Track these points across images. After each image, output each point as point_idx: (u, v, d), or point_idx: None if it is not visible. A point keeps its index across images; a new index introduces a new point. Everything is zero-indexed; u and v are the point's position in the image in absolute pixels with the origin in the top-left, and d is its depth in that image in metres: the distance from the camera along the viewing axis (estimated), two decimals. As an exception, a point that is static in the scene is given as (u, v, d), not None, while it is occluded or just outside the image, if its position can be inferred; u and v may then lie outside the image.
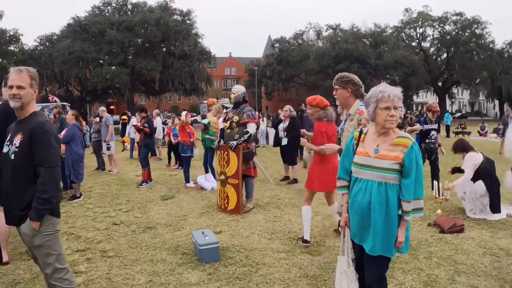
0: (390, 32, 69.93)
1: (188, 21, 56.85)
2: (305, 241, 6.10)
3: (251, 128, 7.96)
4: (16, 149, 3.55)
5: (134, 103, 57.16)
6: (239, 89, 8.38)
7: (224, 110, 10.26)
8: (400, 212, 3.33)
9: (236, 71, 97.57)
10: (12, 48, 59.67)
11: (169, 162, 15.59)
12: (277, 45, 75.88)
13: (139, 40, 54.70)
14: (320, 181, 6.00)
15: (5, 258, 5.71)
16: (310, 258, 5.58)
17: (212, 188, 10.17)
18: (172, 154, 15.54)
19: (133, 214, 8.26)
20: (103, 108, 15.24)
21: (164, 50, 56.26)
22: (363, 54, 61.27)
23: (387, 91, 3.31)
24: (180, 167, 13.94)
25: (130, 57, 54.02)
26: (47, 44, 58.56)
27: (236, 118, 8.02)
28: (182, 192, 10.25)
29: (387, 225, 3.33)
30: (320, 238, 6.48)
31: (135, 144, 18.49)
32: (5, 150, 3.67)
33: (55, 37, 57.86)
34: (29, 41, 68.85)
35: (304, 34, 75.31)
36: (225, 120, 8.44)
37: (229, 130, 8.14)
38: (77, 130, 9.58)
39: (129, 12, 58.55)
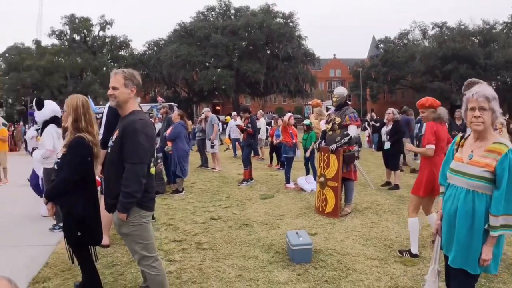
0: (500, 29, 64.40)
1: (290, 24, 57.48)
2: (413, 255, 5.77)
3: (352, 130, 7.86)
4: (112, 144, 3.82)
5: (239, 104, 58.36)
6: (341, 92, 8.31)
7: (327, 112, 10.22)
8: (486, 226, 3.04)
9: (341, 73, 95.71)
10: (122, 53, 63.59)
11: (271, 163, 15.70)
12: (381, 45, 72.96)
13: (243, 43, 55.91)
14: (427, 186, 5.70)
15: (106, 241, 6.09)
16: (403, 268, 5.35)
17: (312, 190, 10.13)
18: (274, 154, 15.64)
19: (232, 211, 8.47)
20: (207, 108, 15.74)
21: (268, 52, 56.98)
22: (471, 54, 57.53)
23: (473, 91, 3.11)
24: (281, 168, 14.06)
25: (235, 59, 55.38)
26: (155, 48, 61.84)
27: (338, 120, 7.96)
28: (282, 192, 10.32)
29: (470, 237, 3.08)
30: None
31: (237, 143, 18.96)
32: (110, 143, 3.94)
33: (163, 42, 61.08)
34: (138, 46, 72.86)
35: (409, 33, 71.35)
36: (327, 122, 8.41)
37: (331, 132, 8.09)
38: (182, 128, 9.98)
39: (232, 17, 60.10)
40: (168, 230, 7.11)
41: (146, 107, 38.84)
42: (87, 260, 4.20)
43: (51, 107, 7.60)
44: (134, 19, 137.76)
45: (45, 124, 7.53)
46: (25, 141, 29.27)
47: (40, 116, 7.53)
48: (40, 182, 8.45)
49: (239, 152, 18.63)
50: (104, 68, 59.65)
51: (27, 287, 4.99)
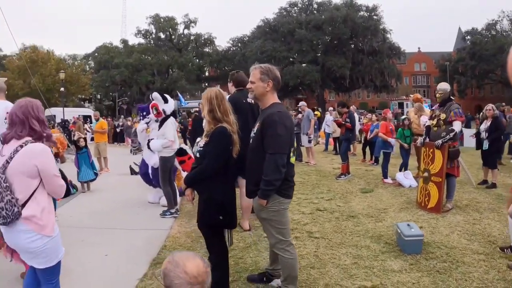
0: None
1: (374, 17, 56.54)
2: None
3: (456, 126, 7.82)
4: (254, 135, 4.19)
5: (324, 99, 58.10)
6: (444, 87, 8.28)
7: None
8: None
9: (426, 66, 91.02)
10: (207, 50, 64.63)
11: (365, 158, 15.64)
12: (468, 37, 68.65)
13: (327, 38, 55.51)
14: None
15: (246, 226, 6.73)
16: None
17: (410, 186, 10.15)
18: (367, 150, 15.57)
19: (335, 203, 8.68)
20: (304, 103, 15.82)
21: (353, 47, 56.43)
22: None
23: None
24: (375, 163, 14.11)
25: (320, 54, 55.12)
26: (239, 45, 62.60)
27: (443, 116, 7.93)
28: (380, 187, 10.39)
29: None
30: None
31: (330, 138, 19.04)
32: (251, 134, 4.29)
33: (246, 38, 61.42)
34: (221, 43, 74.51)
35: (497, 24, 66.12)
36: (431, 118, 8.41)
37: (436, 128, 8.07)
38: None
39: (315, 11, 59.71)
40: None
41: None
42: (221, 242, 4.51)
43: (173, 102, 8.25)
44: (218, 17, 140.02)
45: (166, 117, 8.07)
46: (115, 133, 30.82)
47: (168, 108, 8.17)
48: (149, 171, 9.01)
49: (330, 147, 18.90)
50: (190, 65, 61.12)
51: (149, 267, 5.43)
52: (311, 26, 55.07)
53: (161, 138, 7.95)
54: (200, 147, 4.32)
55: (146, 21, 65.69)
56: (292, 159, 4.16)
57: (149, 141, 8.41)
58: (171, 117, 8.20)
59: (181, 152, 8.62)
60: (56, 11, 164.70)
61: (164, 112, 8.11)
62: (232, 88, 6.81)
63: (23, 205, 3.33)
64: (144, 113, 9.01)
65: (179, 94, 40.26)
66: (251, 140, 4.22)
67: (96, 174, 10.89)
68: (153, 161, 8.80)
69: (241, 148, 4.73)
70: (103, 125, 16.27)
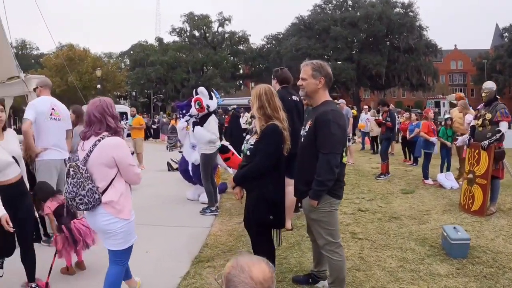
0: None
1: (410, 13, 55.30)
2: None
3: (503, 126, 7.61)
4: (306, 133, 4.10)
5: (359, 97, 57.54)
6: (490, 86, 8.07)
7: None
8: None
9: (463, 64, 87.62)
10: (241, 47, 64.62)
11: (406, 158, 15.35)
12: (506, 34, 66.31)
13: (363, 35, 54.92)
14: None
15: (288, 225, 6.59)
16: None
17: (451, 187, 9.94)
18: (406, 149, 15.29)
19: (376, 203, 8.58)
20: (343, 100, 15.62)
21: (388, 44, 55.43)
22: None
23: None
24: (414, 164, 13.89)
25: (355, 52, 54.57)
26: (273, 42, 62.36)
27: (488, 116, 7.71)
28: (421, 188, 10.21)
29: None
30: None
31: (366, 137, 18.84)
32: (302, 133, 4.22)
33: (281, 36, 61.14)
34: (256, 40, 74.76)
35: None
36: (476, 118, 8.21)
37: (481, 128, 7.87)
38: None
39: (350, 8, 59.04)
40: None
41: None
42: (268, 242, 4.48)
43: (216, 99, 8.32)
44: (252, 15, 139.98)
45: (208, 113, 8.11)
46: (149, 130, 30.94)
47: (213, 105, 8.22)
48: (189, 168, 9.04)
49: (366, 146, 18.75)
50: (225, 62, 61.36)
51: (191, 265, 5.43)
52: (346, 23, 54.45)
53: (205, 135, 7.98)
54: (251, 145, 4.30)
55: (180, 20, 66.20)
56: (344, 159, 4.08)
57: (194, 126, 8.43)
58: (213, 115, 8.22)
59: (224, 149, 8.63)
60: (91, 11, 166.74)
61: (208, 107, 8.12)
62: (276, 85, 6.72)
63: (103, 192, 3.77)
64: (184, 111, 9.02)
65: (214, 92, 40.29)
66: (303, 138, 4.14)
67: None
68: (193, 158, 8.83)
69: (295, 145, 4.75)
70: (141, 121, 16.36)
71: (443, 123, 11.55)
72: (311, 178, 3.91)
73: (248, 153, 4.33)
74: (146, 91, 64.64)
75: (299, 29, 58.02)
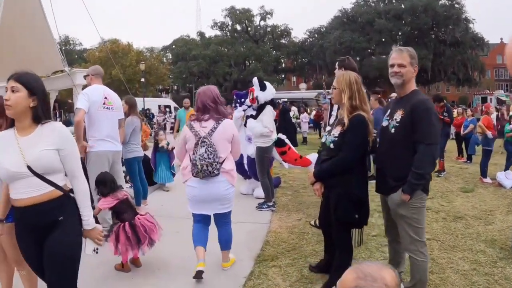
0: None
1: (456, 5, 53.26)
2: None
3: None
4: (397, 124, 3.82)
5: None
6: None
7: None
8: None
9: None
10: (283, 41, 64.20)
11: (459, 155, 14.98)
12: None
13: (408, 28, 53.75)
14: None
15: None
16: None
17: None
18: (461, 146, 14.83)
19: (438, 202, 8.33)
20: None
21: (434, 37, 53.97)
22: None
23: None
24: (468, 161, 13.51)
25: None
26: (316, 36, 61.52)
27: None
28: (480, 187, 9.90)
29: None
30: None
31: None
32: (384, 124, 4.00)
33: (323, 29, 60.34)
34: (297, 34, 74.26)
35: None
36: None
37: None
38: (380, 115, 9.89)
39: (393, 1, 57.69)
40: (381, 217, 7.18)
41: (313, 93, 39.23)
42: (349, 240, 4.33)
43: (271, 90, 8.06)
44: (293, 8, 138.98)
45: (263, 105, 7.94)
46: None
47: (264, 96, 7.97)
48: (244, 161, 8.90)
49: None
50: (267, 56, 61.18)
51: (255, 265, 5.28)
52: (391, 15, 53.22)
53: (258, 127, 7.82)
54: (335, 137, 4.08)
55: (222, 14, 66.52)
56: None
57: (246, 120, 8.35)
58: (269, 106, 8.02)
59: (280, 143, 8.46)
60: (132, 7, 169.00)
61: (257, 99, 7.95)
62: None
63: (222, 163, 4.62)
64: (243, 100, 8.85)
65: (267, 83, 40.15)
66: (392, 130, 3.85)
67: (173, 175, 10.16)
68: (249, 151, 8.69)
69: None
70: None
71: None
72: (404, 173, 3.71)
73: (331, 145, 4.11)
74: (187, 85, 64.98)
75: (342, 22, 57.17)
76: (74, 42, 75.09)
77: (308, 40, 63.17)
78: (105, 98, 6.25)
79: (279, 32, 65.31)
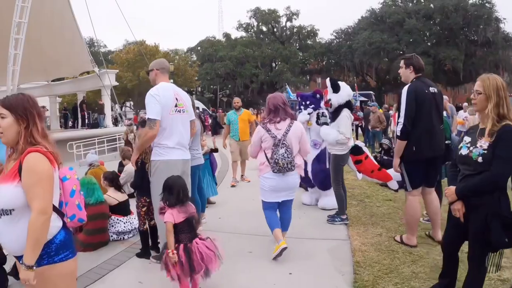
0: None
1: (487, 4, 51.97)
2: None
3: None
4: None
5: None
6: None
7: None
8: None
9: None
10: (309, 42, 63.51)
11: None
12: None
13: (438, 28, 52.68)
14: None
15: (439, 236, 5.79)
16: None
17: None
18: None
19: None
20: (446, 97, 14.44)
21: (464, 37, 52.76)
22: None
23: None
24: None
25: (430, 46, 52.35)
26: (343, 36, 60.66)
27: None
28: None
29: None
30: None
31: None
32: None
33: (351, 30, 59.50)
34: (324, 35, 73.13)
35: None
36: None
37: None
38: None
39: (422, 0, 56.52)
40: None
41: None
42: (484, 264, 3.71)
43: (347, 91, 7.20)
44: (319, 9, 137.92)
45: (338, 108, 7.12)
46: (219, 125, 30.06)
47: (337, 99, 7.14)
48: (308, 168, 8.11)
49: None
50: (295, 57, 60.51)
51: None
52: (421, 15, 52.36)
53: (333, 132, 7.07)
54: (484, 150, 3.54)
55: (247, 15, 66.07)
56: None
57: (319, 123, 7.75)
58: (346, 109, 7.16)
59: (357, 151, 7.66)
60: (155, 9, 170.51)
61: (330, 102, 7.17)
62: (410, 75, 5.70)
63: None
64: (308, 102, 8.10)
65: (287, 87, 39.68)
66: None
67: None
68: (312, 157, 8.04)
69: (434, 148, 5.52)
70: (250, 117, 11.62)
71: None
72: None
73: (480, 159, 3.55)
74: (211, 86, 64.61)
75: (371, 22, 56.40)
76: (98, 44, 75.21)
77: (335, 41, 62.35)
78: (176, 99, 5.32)
79: (305, 33, 64.60)
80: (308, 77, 66.55)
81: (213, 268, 4.35)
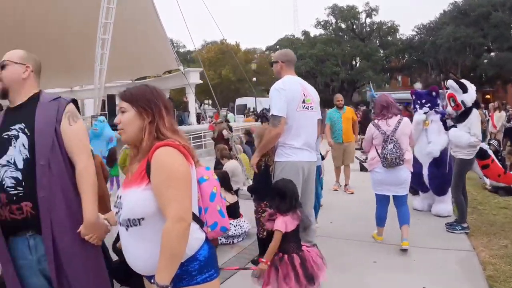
0: None
1: None
2: None
3: None
4: None
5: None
6: None
7: None
8: None
9: None
10: (390, 38, 61.84)
11: None
12: None
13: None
14: None
15: None
16: None
17: None
18: None
19: None
20: None
21: None
22: None
23: None
24: None
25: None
26: (425, 32, 58.73)
27: None
28: None
29: None
30: None
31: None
32: None
33: (433, 25, 57.58)
34: (405, 31, 70.69)
35: None
36: None
37: None
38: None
39: (510, -10, 53.60)
40: None
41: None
42: None
43: (473, 88, 6.94)
44: (399, 2, 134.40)
45: (467, 109, 6.81)
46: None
47: (469, 99, 6.81)
48: (424, 171, 7.79)
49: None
50: (376, 54, 59.31)
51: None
52: (507, 8, 49.50)
53: (462, 134, 6.75)
54: None
55: (325, 12, 65.31)
56: None
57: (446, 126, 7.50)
58: (475, 110, 6.81)
59: (483, 154, 7.28)
60: (230, 9, 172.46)
61: (464, 103, 6.77)
62: None
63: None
64: (423, 101, 7.76)
65: (371, 86, 38.87)
66: None
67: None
68: (429, 159, 7.84)
69: None
70: (354, 115, 11.11)
71: None
72: None
73: None
74: (289, 86, 64.33)
75: (454, 16, 53.94)
76: (178, 45, 76.78)
77: (417, 37, 60.37)
78: (303, 94, 4.89)
79: (385, 29, 63.01)
80: (389, 75, 64.93)
81: (322, 277, 3.97)
